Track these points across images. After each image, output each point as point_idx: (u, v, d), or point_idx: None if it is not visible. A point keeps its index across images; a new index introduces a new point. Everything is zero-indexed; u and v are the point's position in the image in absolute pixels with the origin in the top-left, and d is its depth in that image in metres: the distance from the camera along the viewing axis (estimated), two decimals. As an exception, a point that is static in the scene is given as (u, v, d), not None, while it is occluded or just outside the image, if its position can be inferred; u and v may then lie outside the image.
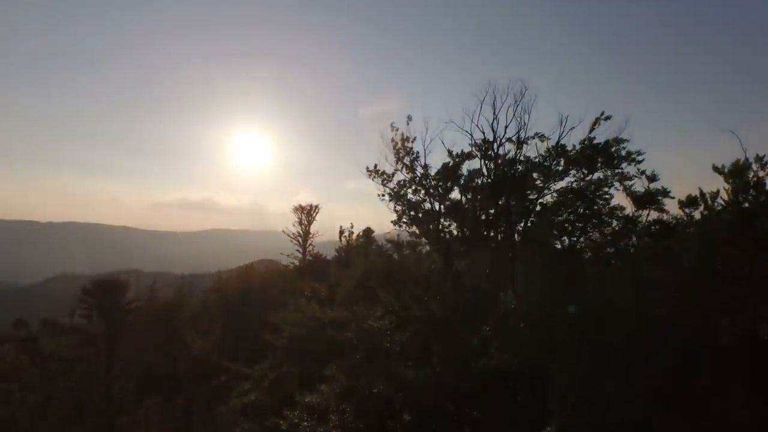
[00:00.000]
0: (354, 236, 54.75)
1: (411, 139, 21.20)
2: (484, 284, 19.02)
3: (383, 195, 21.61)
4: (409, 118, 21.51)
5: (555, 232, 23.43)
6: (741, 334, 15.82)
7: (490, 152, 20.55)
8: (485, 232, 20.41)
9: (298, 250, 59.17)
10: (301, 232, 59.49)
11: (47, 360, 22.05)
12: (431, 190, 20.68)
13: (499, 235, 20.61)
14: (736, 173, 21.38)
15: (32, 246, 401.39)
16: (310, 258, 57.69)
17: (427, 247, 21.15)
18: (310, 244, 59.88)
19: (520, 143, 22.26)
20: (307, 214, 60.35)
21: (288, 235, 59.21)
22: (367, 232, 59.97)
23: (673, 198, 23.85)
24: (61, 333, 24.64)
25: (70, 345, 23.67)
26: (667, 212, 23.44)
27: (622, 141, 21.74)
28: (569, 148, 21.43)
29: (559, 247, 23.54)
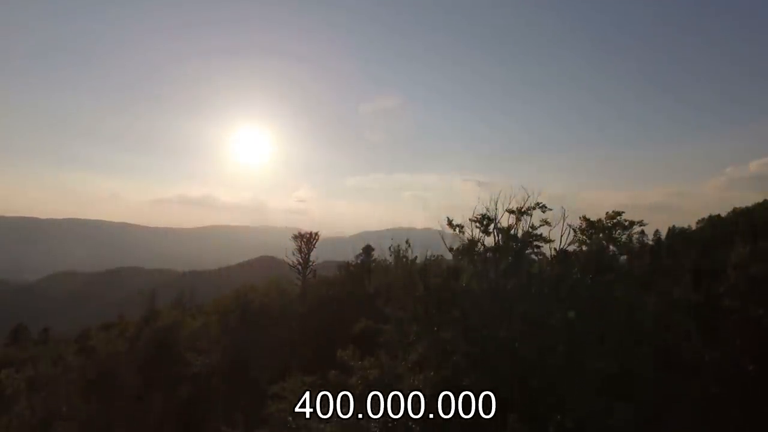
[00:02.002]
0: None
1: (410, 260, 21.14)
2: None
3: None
4: (408, 243, 21.45)
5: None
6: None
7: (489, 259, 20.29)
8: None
9: (298, 278, 59.28)
10: (300, 260, 59.46)
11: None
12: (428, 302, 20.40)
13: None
14: (741, 267, 21.19)
15: (33, 243, 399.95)
16: (311, 274, 58.19)
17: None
18: (309, 272, 59.94)
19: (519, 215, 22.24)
20: (306, 242, 60.28)
21: (288, 264, 59.43)
22: (367, 249, 60.25)
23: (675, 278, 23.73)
24: (59, 419, 24.43)
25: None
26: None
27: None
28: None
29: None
